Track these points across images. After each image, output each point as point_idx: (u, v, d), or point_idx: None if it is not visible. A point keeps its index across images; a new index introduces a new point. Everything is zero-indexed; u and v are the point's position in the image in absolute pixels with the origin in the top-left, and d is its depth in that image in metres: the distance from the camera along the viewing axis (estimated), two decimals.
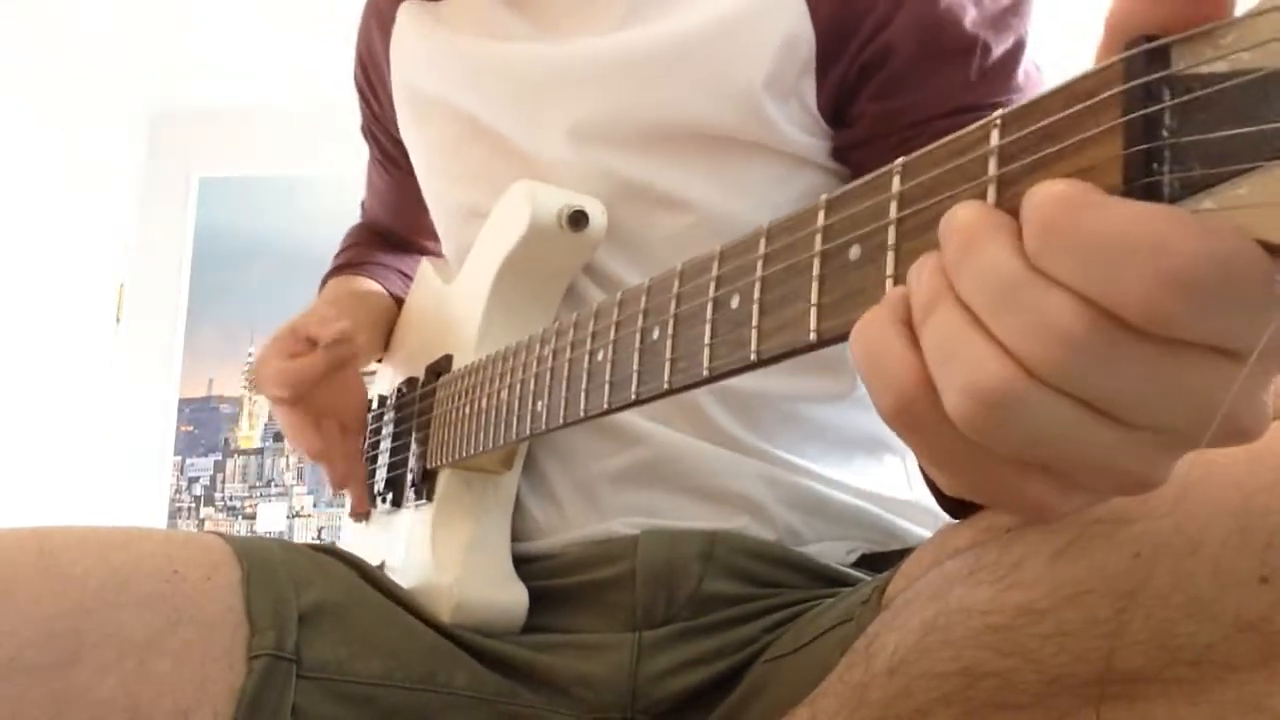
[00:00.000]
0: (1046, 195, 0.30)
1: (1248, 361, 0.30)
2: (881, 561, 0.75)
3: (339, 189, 1.20)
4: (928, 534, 0.75)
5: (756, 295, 0.43)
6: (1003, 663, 0.44)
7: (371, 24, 1.00)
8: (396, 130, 0.99)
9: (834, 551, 0.76)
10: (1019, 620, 0.43)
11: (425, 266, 0.98)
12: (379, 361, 1.06)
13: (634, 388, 0.53)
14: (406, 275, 1.11)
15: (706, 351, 0.47)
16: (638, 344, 0.53)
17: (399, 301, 1.07)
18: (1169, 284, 0.28)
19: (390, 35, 0.95)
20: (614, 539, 0.75)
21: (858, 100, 0.74)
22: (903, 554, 0.61)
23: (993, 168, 0.34)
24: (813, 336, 0.40)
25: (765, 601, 0.71)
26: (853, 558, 0.77)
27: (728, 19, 0.74)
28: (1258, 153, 0.27)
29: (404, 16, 0.94)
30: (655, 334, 0.51)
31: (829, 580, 0.73)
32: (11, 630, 0.56)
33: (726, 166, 0.76)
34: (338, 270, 1.13)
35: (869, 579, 0.67)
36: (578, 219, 0.74)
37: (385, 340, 1.04)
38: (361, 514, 0.97)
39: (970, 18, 0.71)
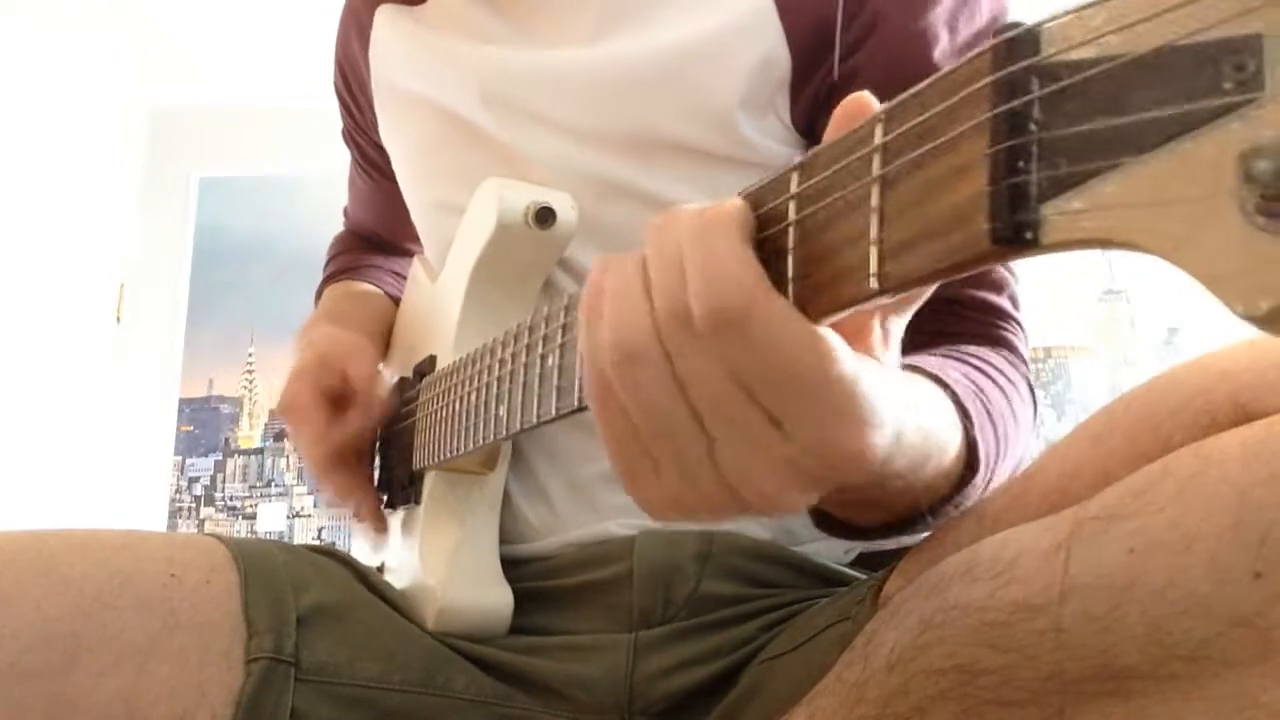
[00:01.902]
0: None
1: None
2: (879, 560, 0.75)
3: (339, 189, 1.20)
4: (923, 534, 0.76)
5: None
6: (1000, 659, 0.44)
7: (350, 28, 1.00)
8: (377, 135, 0.99)
9: (831, 551, 0.76)
10: (1015, 617, 0.43)
11: (416, 265, 0.98)
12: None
13: (576, 394, 0.52)
14: (400, 275, 1.11)
15: None
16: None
17: (396, 301, 1.07)
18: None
19: (369, 39, 0.95)
20: (610, 540, 0.74)
21: (825, 115, 0.74)
22: (899, 553, 0.62)
23: (876, 166, 0.34)
24: None
25: (762, 601, 0.71)
26: (849, 556, 0.77)
27: (705, 39, 0.74)
28: (1123, 148, 0.26)
29: (381, 19, 0.94)
30: None
31: (826, 580, 0.73)
32: (11, 634, 0.56)
33: (702, 174, 0.76)
34: (331, 278, 1.13)
35: (865, 577, 0.67)
36: (544, 216, 0.74)
37: (386, 342, 1.04)
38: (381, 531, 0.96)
39: (940, 47, 0.71)
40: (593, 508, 0.76)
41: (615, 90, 0.77)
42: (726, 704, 0.66)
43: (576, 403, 0.52)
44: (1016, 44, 0.28)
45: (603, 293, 0.43)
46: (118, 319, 3.50)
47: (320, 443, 0.83)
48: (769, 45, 0.73)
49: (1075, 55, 0.27)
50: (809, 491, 0.41)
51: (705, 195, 0.75)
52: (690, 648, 0.69)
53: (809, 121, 0.75)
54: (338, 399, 0.85)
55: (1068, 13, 0.27)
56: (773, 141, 0.75)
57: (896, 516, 0.56)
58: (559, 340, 0.55)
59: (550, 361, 0.56)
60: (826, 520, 0.58)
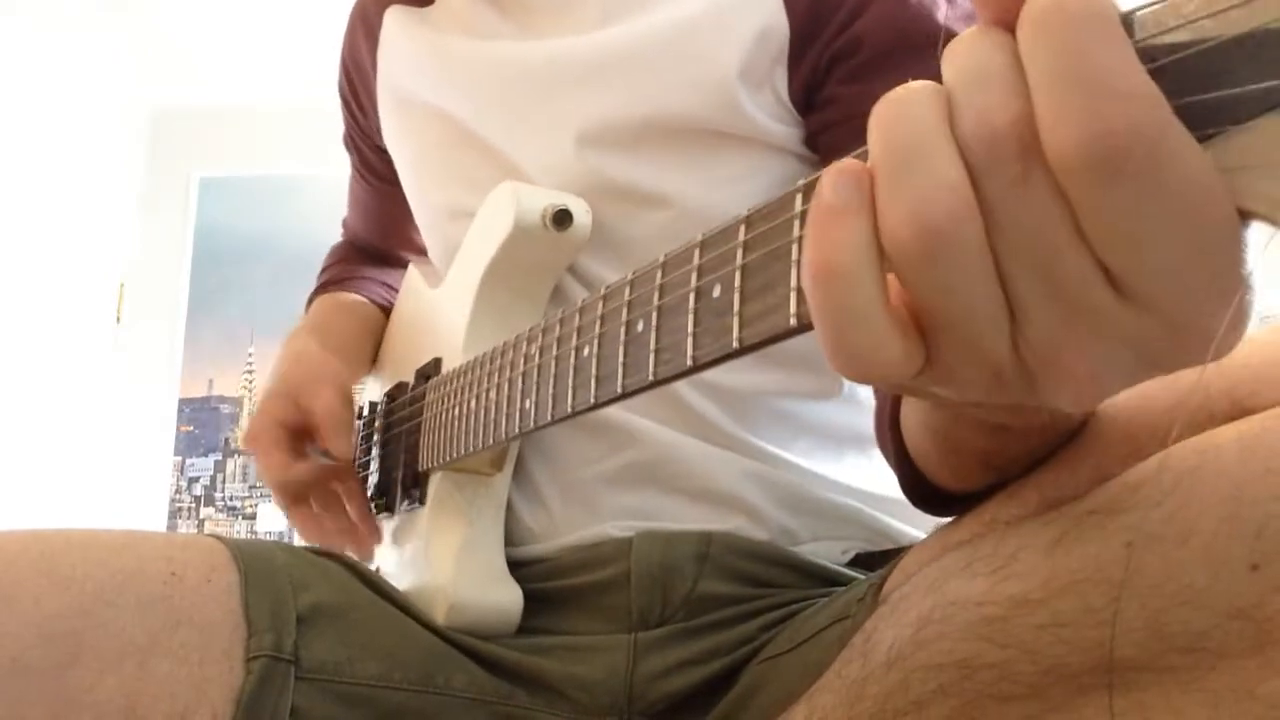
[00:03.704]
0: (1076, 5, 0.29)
1: (1139, 317, 0.30)
2: (876, 561, 0.75)
3: (339, 189, 1.20)
4: (920, 533, 0.76)
5: (737, 283, 0.43)
6: (999, 654, 0.44)
7: (358, 29, 1.00)
8: (379, 139, 0.99)
9: (829, 551, 0.76)
10: (1014, 611, 0.43)
11: (412, 272, 0.98)
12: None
13: (620, 381, 0.52)
14: (391, 287, 1.10)
15: (690, 341, 0.46)
16: (623, 337, 0.52)
17: (386, 312, 1.07)
18: (1099, 134, 0.27)
19: (377, 41, 0.95)
20: (608, 541, 0.75)
21: (826, 85, 0.75)
22: (897, 553, 0.62)
23: None
24: (793, 321, 0.39)
25: (761, 601, 0.71)
26: (847, 557, 0.77)
27: (704, 13, 0.75)
28: (1221, 118, 0.28)
29: (390, 21, 0.94)
30: (640, 326, 0.51)
31: (824, 580, 0.74)
32: (13, 633, 0.56)
33: (704, 160, 0.76)
34: (323, 289, 1.13)
35: (864, 577, 0.67)
36: (561, 218, 0.74)
37: (374, 352, 1.04)
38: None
39: (943, 11, 0.71)
40: (590, 510, 0.76)
41: (618, 71, 0.78)
42: (726, 703, 0.66)
43: (620, 389, 0.52)
44: None
45: (863, 172, 0.33)
46: (118, 319, 3.50)
47: (279, 480, 0.86)
48: (768, 15, 0.74)
49: (1169, 38, 0.28)
50: (1131, 381, 0.33)
51: (704, 184, 0.76)
52: (689, 648, 0.69)
53: (807, 94, 0.76)
54: (300, 431, 0.87)
55: (1159, 1, 0.29)
56: (770, 118, 0.76)
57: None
58: (596, 331, 0.55)
59: (587, 352, 0.56)
60: (921, 490, 0.57)
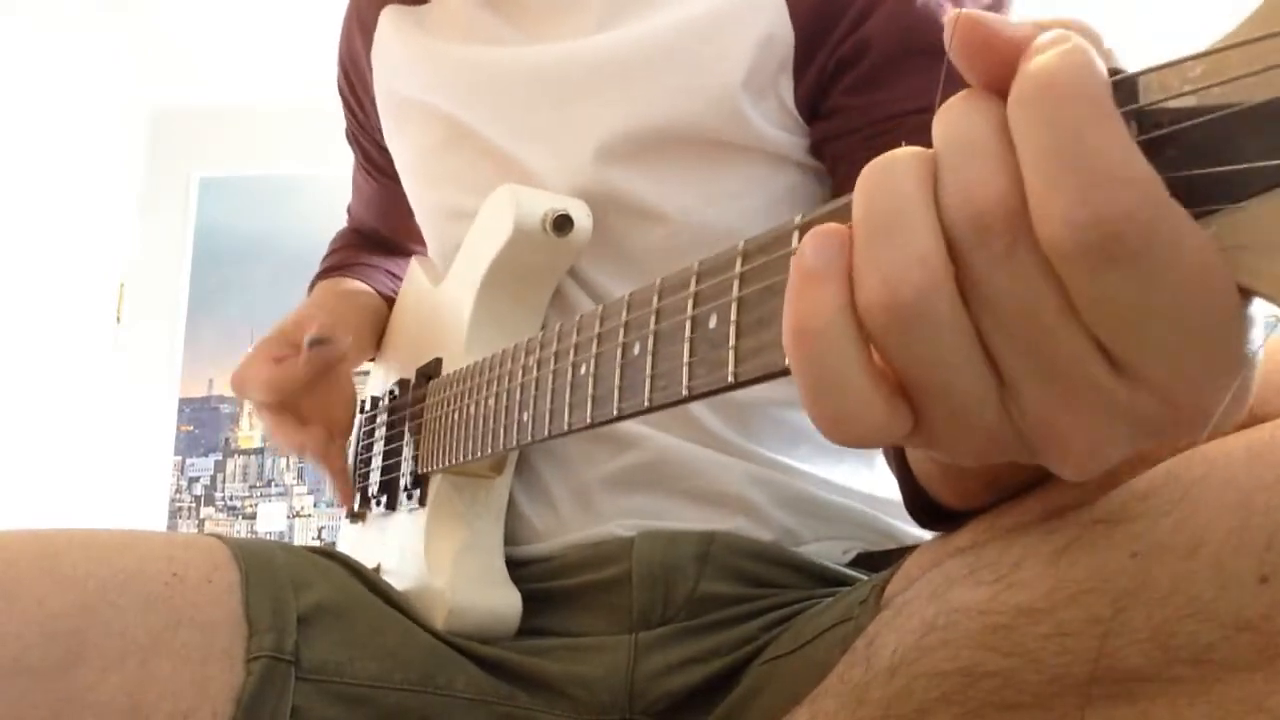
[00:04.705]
0: (1065, 68, 0.28)
1: (1134, 390, 0.29)
2: (878, 561, 0.75)
3: (339, 189, 1.21)
4: (922, 533, 0.76)
5: (733, 316, 0.42)
6: (1003, 662, 0.44)
7: (354, 28, 0.99)
8: (380, 136, 0.99)
9: (830, 551, 0.76)
10: (1019, 620, 0.43)
11: (415, 266, 0.98)
12: (371, 361, 1.05)
13: (615, 404, 0.52)
14: (396, 276, 1.10)
15: (685, 370, 0.46)
16: (619, 359, 0.52)
17: (389, 301, 1.06)
18: (1092, 220, 0.27)
19: (372, 40, 0.95)
20: (610, 540, 0.75)
21: (832, 94, 0.74)
22: (899, 553, 0.61)
23: None
24: (788, 361, 0.39)
25: (763, 601, 0.71)
26: (849, 557, 0.77)
27: (707, 18, 0.75)
28: (1226, 193, 0.26)
29: (386, 21, 0.94)
30: (636, 349, 0.50)
31: (826, 580, 0.73)
32: (15, 632, 0.56)
33: (707, 172, 0.76)
34: (325, 273, 1.13)
35: (867, 578, 0.67)
36: (562, 223, 0.74)
37: (377, 340, 1.04)
38: (354, 514, 0.97)
39: (949, 15, 0.71)
40: (595, 510, 0.76)
41: (617, 77, 0.77)
42: (728, 704, 0.66)
43: (615, 412, 0.52)
44: (1114, 90, 0.28)
45: (839, 239, 0.33)
46: (118, 319, 3.50)
47: (267, 391, 0.86)
48: (771, 22, 0.74)
49: (1175, 104, 0.27)
50: (1129, 450, 0.32)
51: (707, 197, 0.76)
52: (690, 647, 0.69)
53: (812, 102, 0.75)
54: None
55: (1165, 64, 0.27)
56: (774, 127, 0.75)
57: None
58: (593, 350, 0.55)
59: (584, 370, 0.56)
60: (924, 505, 0.57)
